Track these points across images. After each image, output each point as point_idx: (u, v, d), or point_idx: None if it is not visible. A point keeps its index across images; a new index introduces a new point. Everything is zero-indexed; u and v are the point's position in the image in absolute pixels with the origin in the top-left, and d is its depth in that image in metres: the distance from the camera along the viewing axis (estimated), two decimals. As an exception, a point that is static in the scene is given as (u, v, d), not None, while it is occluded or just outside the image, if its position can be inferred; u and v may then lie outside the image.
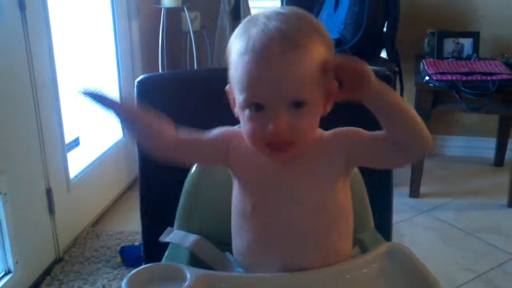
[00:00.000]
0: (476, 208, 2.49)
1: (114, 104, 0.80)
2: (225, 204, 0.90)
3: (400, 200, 2.55)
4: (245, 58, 0.77)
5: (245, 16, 2.88)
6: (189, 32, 2.81)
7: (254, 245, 0.87)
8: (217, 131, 0.89)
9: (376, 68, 1.03)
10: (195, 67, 2.92)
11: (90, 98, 0.79)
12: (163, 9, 2.74)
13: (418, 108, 2.42)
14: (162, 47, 2.81)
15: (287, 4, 2.70)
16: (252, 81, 0.77)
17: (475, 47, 2.62)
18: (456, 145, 3.08)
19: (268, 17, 0.79)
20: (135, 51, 2.72)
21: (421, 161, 2.51)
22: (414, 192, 2.58)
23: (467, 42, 2.62)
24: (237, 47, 0.79)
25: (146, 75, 1.06)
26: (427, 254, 2.10)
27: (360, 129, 0.85)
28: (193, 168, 0.97)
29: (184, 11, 2.78)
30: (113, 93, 0.87)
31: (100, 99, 0.79)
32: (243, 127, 0.82)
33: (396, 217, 2.33)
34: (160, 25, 2.78)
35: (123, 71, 2.63)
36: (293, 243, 0.85)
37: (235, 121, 0.86)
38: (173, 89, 1.06)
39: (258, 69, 0.76)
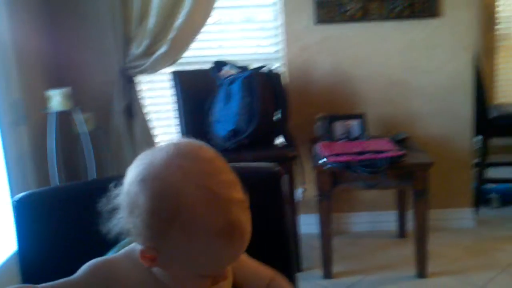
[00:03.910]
0: (388, 282, 2.52)
1: None
2: None
3: (314, 283, 2.53)
4: (219, 241, 0.71)
5: (138, 114, 2.86)
6: (83, 134, 2.73)
7: None
8: (87, 268, 0.78)
9: (264, 164, 1.03)
10: (95, 170, 2.82)
11: None
12: (52, 113, 2.65)
13: (319, 189, 2.48)
14: (56, 153, 2.69)
15: (183, 106, 2.72)
16: (220, 262, 0.74)
17: (363, 127, 2.76)
18: (360, 221, 3.16)
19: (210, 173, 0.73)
20: (27, 160, 2.57)
21: (330, 240, 2.53)
22: (327, 273, 2.58)
23: (355, 123, 2.76)
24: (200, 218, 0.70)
25: (24, 193, 0.98)
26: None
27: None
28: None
29: (76, 113, 2.71)
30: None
31: None
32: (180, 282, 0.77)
33: (312, 301, 2.32)
34: (51, 130, 2.68)
35: (15, 184, 2.46)
36: None
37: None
38: (56, 206, 0.99)
39: (234, 249, 0.74)
